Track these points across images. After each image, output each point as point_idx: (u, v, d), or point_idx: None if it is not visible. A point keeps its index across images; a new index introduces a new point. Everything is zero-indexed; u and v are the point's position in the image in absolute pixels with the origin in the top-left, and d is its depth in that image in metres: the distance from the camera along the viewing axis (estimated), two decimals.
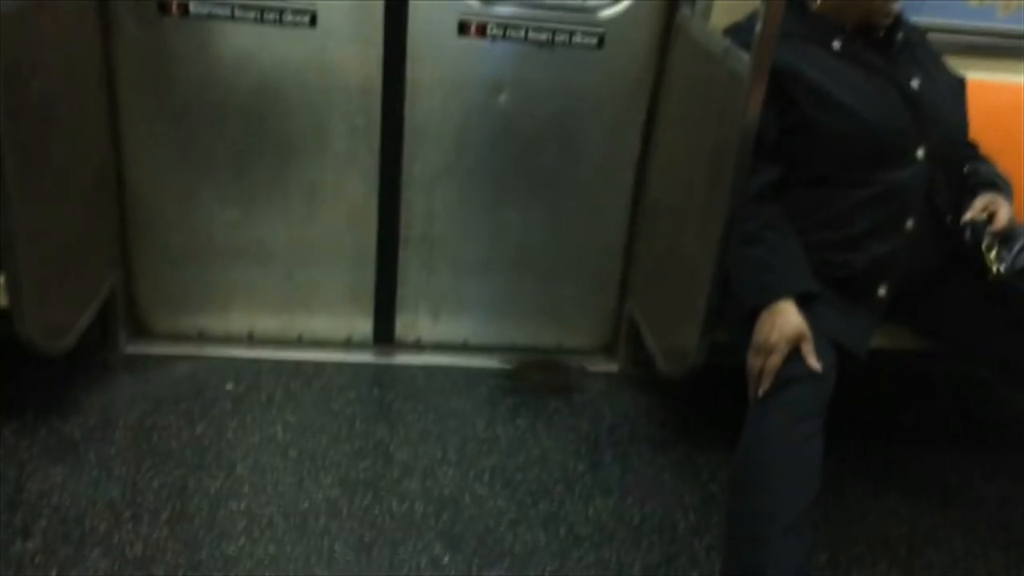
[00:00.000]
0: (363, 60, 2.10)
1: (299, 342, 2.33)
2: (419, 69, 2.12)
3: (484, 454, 1.99)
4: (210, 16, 2.04)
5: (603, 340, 2.45)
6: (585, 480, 1.93)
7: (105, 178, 2.10)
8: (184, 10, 2.03)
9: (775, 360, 1.57)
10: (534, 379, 2.27)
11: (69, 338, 1.91)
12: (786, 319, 1.59)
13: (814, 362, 1.56)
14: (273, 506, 1.77)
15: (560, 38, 2.13)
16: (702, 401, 2.18)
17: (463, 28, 2.10)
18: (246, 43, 2.06)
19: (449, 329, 2.39)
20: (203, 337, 2.30)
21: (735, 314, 1.70)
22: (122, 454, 1.86)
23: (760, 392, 1.57)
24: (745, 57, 1.63)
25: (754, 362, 1.60)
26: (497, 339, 2.40)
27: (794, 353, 1.57)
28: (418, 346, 2.38)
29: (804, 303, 1.61)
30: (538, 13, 2.10)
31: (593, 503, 1.87)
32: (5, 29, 1.58)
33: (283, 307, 2.32)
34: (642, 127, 2.22)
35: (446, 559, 1.69)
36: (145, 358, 2.20)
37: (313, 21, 2.06)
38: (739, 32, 1.77)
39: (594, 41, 2.14)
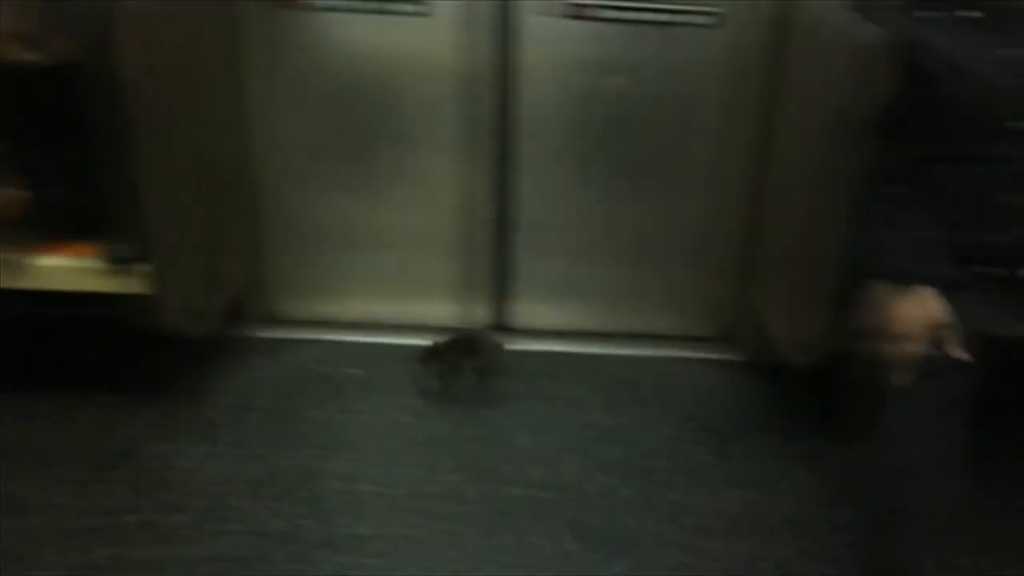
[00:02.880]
0: (473, 46, 2.12)
1: (415, 328, 2.36)
2: (529, 54, 2.13)
3: (606, 442, 1.98)
4: (327, 8, 2.09)
5: (722, 327, 2.40)
6: (711, 471, 1.91)
7: (236, 168, 2.17)
8: (303, 2, 2.08)
9: (913, 349, 1.50)
10: (451, 359, 2.18)
11: (206, 323, 2.00)
12: (923, 305, 1.51)
13: (956, 350, 1.49)
14: (401, 489, 1.81)
15: (673, 17, 2.09)
16: (833, 391, 2.11)
17: (572, 10, 2.09)
18: (362, 33, 2.11)
19: (564, 316, 2.39)
20: (327, 323, 2.37)
21: (868, 300, 1.64)
22: (258, 435, 1.94)
23: (898, 383, 1.51)
24: (872, 29, 1.56)
25: (891, 351, 1.53)
26: (613, 326, 2.39)
27: (934, 341, 1.50)
28: (533, 333, 2.38)
29: (942, 288, 1.54)
30: None
31: (720, 495, 1.84)
32: (138, 24, 1.66)
33: (402, 294, 2.37)
34: (760, 106, 2.16)
35: (573, 548, 1.69)
36: (274, 342, 2.29)
37: (425, 10, 2.08)
38: (864, 3, 1.69)
39: (709, 19, 2.09)
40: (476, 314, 2.39)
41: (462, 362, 2.16)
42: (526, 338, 2.37)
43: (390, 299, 2.37)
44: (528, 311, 2.39)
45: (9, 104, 1.80)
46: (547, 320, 2.40)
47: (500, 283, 2.36)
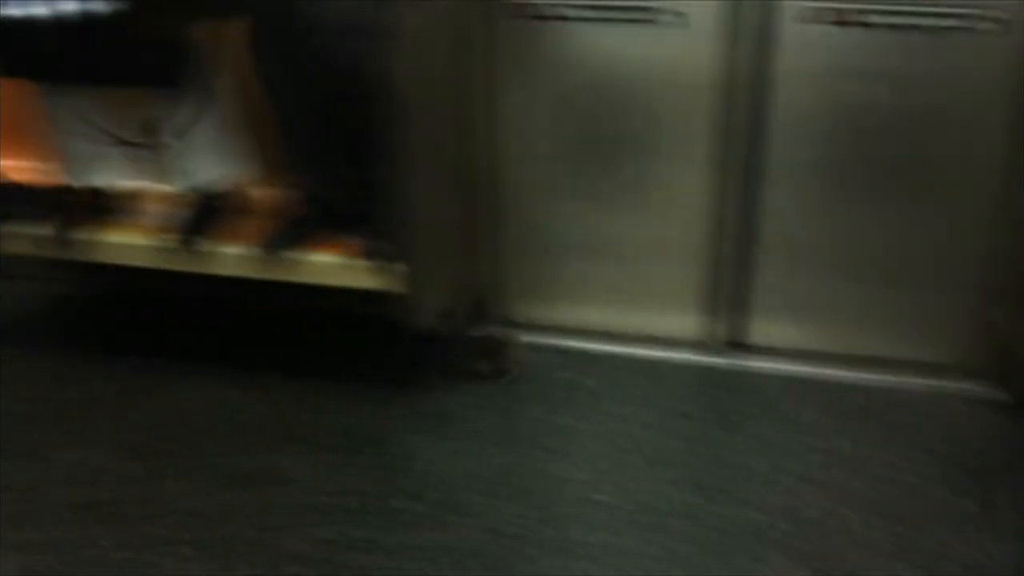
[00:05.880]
0: (723, 55, 2.07)
1: (644, 338, 2.35)
2: (786, 62, 2.05)
3: (848, 475, 1.86)
4: (577, 19, 2.12)
5: (983, 359, 2.18)
6: (972, 519, 1.74)
7: (476, 173, 2.25)
8: (553, 14, 2.13)
9: None
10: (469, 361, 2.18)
11: (451, 322, 2.09)
12: None
13: None
14: (622, 499, 1.80)
15: (953, 23, 1.93)
16: None
17: (838, 17, 1.98)
18: (610, 44, 2.12)
19: (805, 336, 2.27)
20: (559, 328, 2.40)
21: None
22: (494, 434, 2.00)
23: None
24: None
25: None
26: (853, 349, 2.25)
27: None
28: (771, 352, 2.29)
29: None
30: None
31: (984, 545, 1.67)
32: (408, 38, 1.76)
33: (630, 302, 2.35)
34: None
35: None
36: None
37: (675, 19, 2.06)
38: None
39: (996, 26, 1.91)
40: (713, 329, 2.33)
41: (480, 364, 2.16)
42: (763, 357, 2.28)
43: (626, 309, 2.36)
44: (766, 329, 2.30)
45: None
46: (787, 339, 2.29)
47: (738, 298, 2.29)
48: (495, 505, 1.79)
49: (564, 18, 2.12)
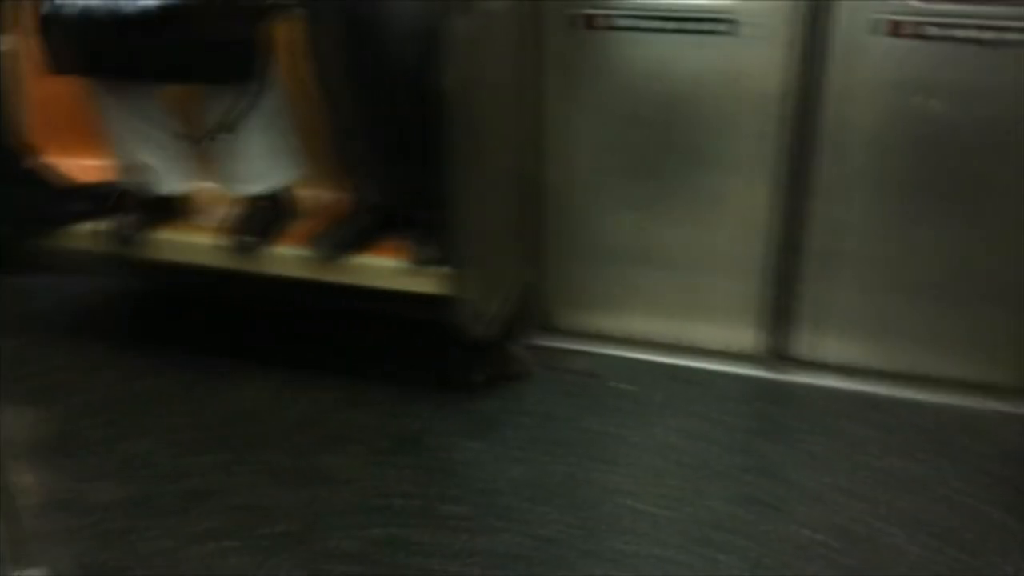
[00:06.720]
0: (779, 66, 2.05)
1: (692, 349, 2.34)
2: (840, 73, 2.02)
3: (888, 488, 1.83)
4: (632, 28, 2.12)
5: None
6: (1010, 535, 1.70)
7: (528, 180, 2.27)
8: (608, 24, 2.13)
9: None
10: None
11: (491, 326, 2.10)
12: None
13: None
14: (667, 510, 1.79)
15: (1011, 36, 1.89)
16: None
17: (894, 28, 1.96)
18: (664, 53, 2.12)
19: (851, 350, 2.24)
20: (600, 335, 2.40)
21: None
22: (531, 438, 2.01)
23: None
24: None
25: None
26: (906, 366, 2.20)
27: None
28: (815, 365, 2.26)
29: None
30: (986, 9, 1.89)
31: (1020, 563, 1.63)
32: (464, 47, 1.78)
33: (678, 313, 2.34)
34: None
35: None
36: (548, 350, 2.36)
37: (731, 28, 2.05)
38: None
39: None
40: (761, 341, 2.30)
41: (475, 372, 2.16)
42: (807, 370, 2.25)
43: (667, 317, 2.36)
44: (811, 342, 2.27)
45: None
46: (836, 353, 2.26)
47: (783, 310, 2.26)
48: (537, 510, 1.80)
49: (616, 28, 2.13)
